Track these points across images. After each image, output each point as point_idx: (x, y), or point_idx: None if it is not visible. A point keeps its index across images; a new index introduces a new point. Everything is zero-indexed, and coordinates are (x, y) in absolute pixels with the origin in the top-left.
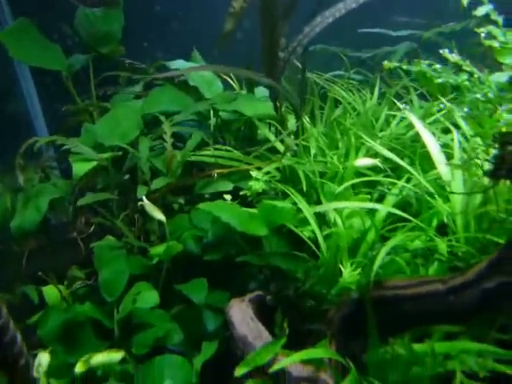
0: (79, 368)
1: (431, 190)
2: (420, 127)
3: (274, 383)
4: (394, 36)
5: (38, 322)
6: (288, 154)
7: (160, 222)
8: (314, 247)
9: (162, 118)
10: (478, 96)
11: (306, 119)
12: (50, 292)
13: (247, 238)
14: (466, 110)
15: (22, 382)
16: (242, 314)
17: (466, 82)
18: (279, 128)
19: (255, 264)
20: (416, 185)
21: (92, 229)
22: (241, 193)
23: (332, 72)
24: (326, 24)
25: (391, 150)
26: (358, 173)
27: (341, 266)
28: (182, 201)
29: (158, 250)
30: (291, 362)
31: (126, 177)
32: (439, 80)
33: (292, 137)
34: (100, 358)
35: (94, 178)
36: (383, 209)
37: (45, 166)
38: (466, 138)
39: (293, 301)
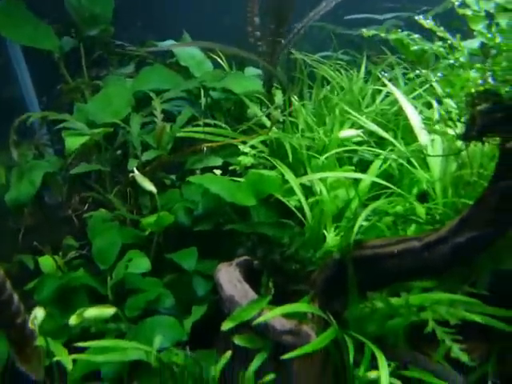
0: (73, 320)
1: (412, 160)
2: (402, 99)
3: (258, 337)
4: (381, 19)
5: (35, 288)
6: (275, 129)
7: (152, 197)
8: (300, 216)
9: (153, 95)
10: (452, 61)
11: (295, 98)
12: (46, 262)
13: (236, 208)
14: (439, 74)
15: (20, 339)
16: (229, 276)
17: (441, 49)
18: (269, 106)
19: (243, 232)
20: (399, 157)
21: (86, 206)
22: (230, 168)
23: (321, 53)
24: (329, 8)
25: (376, 123)
26: (343, 146)
27: (325, 231)
28: (173, 177)
29: (150, 220)
30: (274, 315)
31: (118, 152)
32: (415, 47)
33: (279, 110)
34: (93, 312)
35: (87, 155)
36: (367, 178)
37: (38, 143)
38: (441, 102)
39: (278, 264)
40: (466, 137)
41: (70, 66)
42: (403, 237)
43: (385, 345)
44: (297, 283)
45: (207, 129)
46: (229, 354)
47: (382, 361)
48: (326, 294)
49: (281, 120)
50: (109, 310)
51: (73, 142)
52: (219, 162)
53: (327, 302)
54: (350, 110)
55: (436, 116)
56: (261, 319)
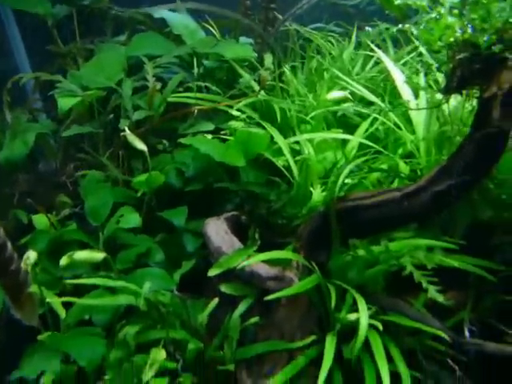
0: (64, 261)
1: (398, 122)
2: (388, 62)
3: (244, 285)
4: None
5: (28, 242)
6: (263, 93)
7: (144, 159)
8: (288, 175)
9: (145, 59)
10: (433, 15)
11: (286, 67)
12: (40, 220)
13: (226, 169)
14: (422, 26)
15: (14, 285)
16: (216, 229)
17: (424, 3)
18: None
19: (232, 190)
20: (385, 117)
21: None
22: (221, 132)
23: (313, 24)
24: None
25: (364, 89)
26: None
27: (312, 189)
28: (165, 142)
29: (141, 178)
30: (259, 259)
31: (111, 116)
32: (398, 1)
33: (268, 72)
34: (83, 254)
35: (80, 120)
36: (353, 139)
37: (32, 108)
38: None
39: (265, 218)
40: (446, 89)
41: (64, 34)
42: (384, 189)
43: (366, 292)
44: (283, 237)
45: (199, 94)
46: (216, 300)
47: (361, 304)
48: (311, 245)
49: (269, 79)
50: (99, 255)
51: (65, 103)
52: (211, 127)
53: (312, 254)
54: (339, 73)
55: (422, 79)
56: (245, 263)
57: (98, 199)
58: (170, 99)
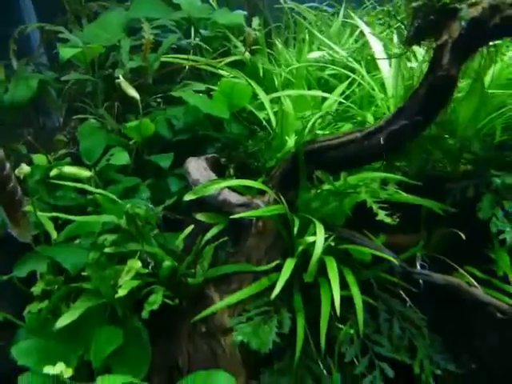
0: (53, 172)
1: (373, 84)
2: (368, 35)
3: (217, 214)
4: None
5: (25, 177)
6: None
7: (137, 113)
8: (268, 126)
9: (143, 19)
10: None
11: (278, 40)
12: (39, 158)
13: (212, 122)
14: None
15: (10, 203)
16: (197, 166)
17: None
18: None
19: (215, 138)
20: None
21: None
22: (212, 93)
23: (307, 4)
24: None
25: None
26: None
27: (287, 137)
28: (159, 100)
29: (132, 124)
30: (231, 184)
31: (109, 71)
32: None
33: (254, 32)
34: (72, 169)
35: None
36: (331, 97)
37: (37, 62)
38: None
39: (242, 160)
40: (407, 40)
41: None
42: (348, 131)
43: (327, 224)
44: (258, 177)
45: (192, 57)
46: (191, 227)
47: (319, 229)
48: (282, 185)
49: (255, 38)
50: (86, 172)
51: (66, 52)
52: (202, 87)
53: (282, 192)
54: (326, 40)
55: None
56: (216, 186)
57: (92, 141)
58: (165, 59)
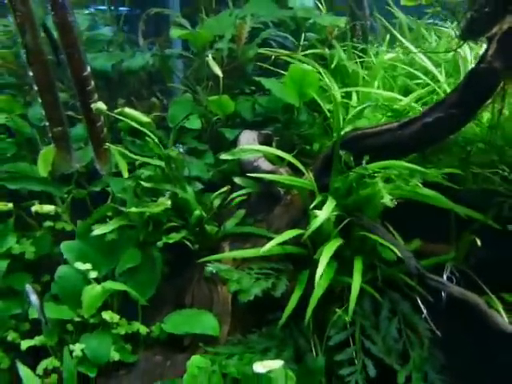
0: (117, 110)
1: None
2: None
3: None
4: None
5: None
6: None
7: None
8: (329, 117)
9: (249, 17)
10: None
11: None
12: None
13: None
14: None
15: (97, 139)
16: (248, 137)
17: None
18: None
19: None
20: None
21: None
22: None
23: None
24: None
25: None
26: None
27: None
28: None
29: (214, 98)
30: (266, 152)
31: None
32: None
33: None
34: (132, 112)
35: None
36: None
37: (163, 42)
38: None
39: (294, 141)
40: (462, 34)
41: None
42: (389, 121)
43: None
44: (304, 157)
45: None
46: (227, 187)
47: (330, 203)
48: (321, 168)
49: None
50: (145, 118)
51: (176, 32)
52: None
53: (319, 175)
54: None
55: None
56: (251, 151)
57: (178, 109)
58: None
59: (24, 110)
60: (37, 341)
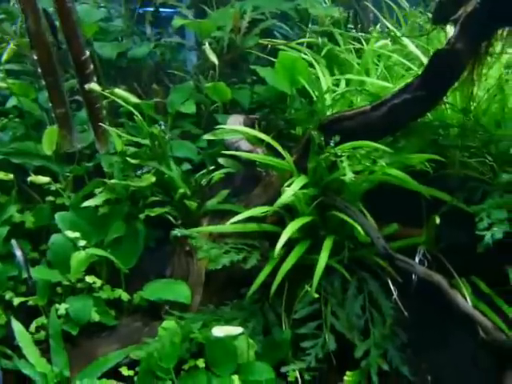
0: (108, 91)
1: None
2: None
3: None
4: None
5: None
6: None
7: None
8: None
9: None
10: None
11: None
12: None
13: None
14: None
15: (96, 120)
16: (234, 120)
17: None
18: None
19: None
20: None
21: None
22: None
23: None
24: None
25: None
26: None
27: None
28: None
29: (210, 85)
30: (246, 132)
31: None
32: None
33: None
34: (122, 93)
35: None
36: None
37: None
38: None
39: (279, 126)
40: (433, 19)
41: None
42: (364, 104)
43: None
44: (290, 141)
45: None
46: (210, 167)
47: (298, 181)
48: (302, 151)
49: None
50: (133, 99)
51: (177, 22)
52: None
53: (300, 158)
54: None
55: None
56: (232, 132)
57: (178, 95)
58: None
59: (38, 95)
60: (30, 300)
